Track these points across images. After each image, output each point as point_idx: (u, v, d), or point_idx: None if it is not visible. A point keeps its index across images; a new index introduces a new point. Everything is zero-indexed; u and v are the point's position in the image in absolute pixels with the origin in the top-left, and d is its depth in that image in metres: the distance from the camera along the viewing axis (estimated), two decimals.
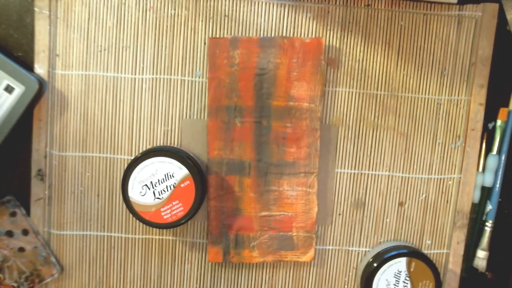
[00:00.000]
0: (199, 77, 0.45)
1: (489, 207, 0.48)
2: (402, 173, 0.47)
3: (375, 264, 0.44)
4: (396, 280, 0.44)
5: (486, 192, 0.48)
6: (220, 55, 0.44)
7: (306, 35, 0.45)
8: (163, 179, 0.41)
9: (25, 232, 0.45)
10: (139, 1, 0.44)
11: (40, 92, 0.43)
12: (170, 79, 0.45)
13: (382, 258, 0.44)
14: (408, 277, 0.44)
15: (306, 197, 0.45)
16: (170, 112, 0.45)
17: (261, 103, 0.44)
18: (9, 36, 0.44)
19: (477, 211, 0.48)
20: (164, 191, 0.41)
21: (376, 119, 0.46)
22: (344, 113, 0.46)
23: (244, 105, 0.44)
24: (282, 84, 0.44)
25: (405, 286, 0.44)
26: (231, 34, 0.45)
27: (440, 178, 0.47)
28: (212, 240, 0.46)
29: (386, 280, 0.44)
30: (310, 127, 0.45)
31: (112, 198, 0.46)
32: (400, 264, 0.44)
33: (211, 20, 0.45)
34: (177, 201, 0.41)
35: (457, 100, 0.47)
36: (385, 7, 0.45)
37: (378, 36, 0.46)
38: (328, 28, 0.45)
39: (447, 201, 0.48)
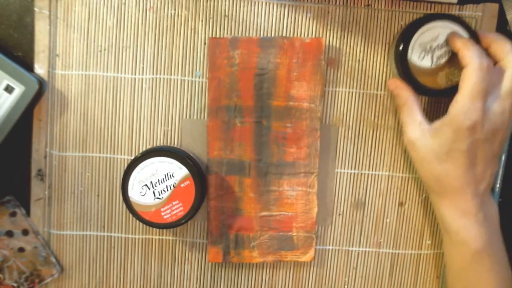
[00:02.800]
0: (199, 77, 0.45)
1: None
2: (402, 173, 0.47)
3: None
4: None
5: None
6: (220, 55, 0.44)
7: (306, 35, 0.45)
8: (163, 179, 0.41)
9: (25, 232, 0.45)
10: (139, 1, 0.44)
11: (40, 92, 0.43)
12: (170, 79, 0.45)
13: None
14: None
15: (306, 197, 0.45)
16: (170, 112, 0.45)
17: (261, 103, 0.44)
18: (9, 36, 0.44)
19: None
20: (164, 191, 0.41)
21: (376, 119, 0.46)
22: (344, 113, 0.46)
23: (244, 105, 0.44)
24: (282, 84, 0.44)
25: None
26: (231, 34, 0.45)
27: None
28: (212, 240, 0.46)
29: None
30: (310, 127, 0.45)
31: (112, 198, 0.46)
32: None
33: (211, 20, 0.45)
34: (177, 201, 0.41)
35: None
36: (385, 7, 0.45)
37: (378, 36, 0.46)
38: (328, 28, 0.45)
39: None
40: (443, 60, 0.42)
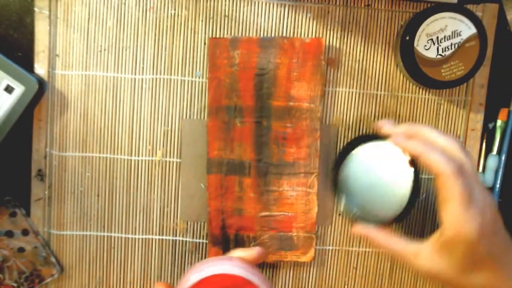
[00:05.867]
0: (199, 77, 0.45)
1: None
2: None
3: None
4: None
5: None
6: (220, 55, 0.44)
7: (306, 35, 0.45)
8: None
9: (25, 232, 0.45)
10: (139, 1, 0.44)
11: (40, 92, 0.43)
12: (170, 79, 0.45)
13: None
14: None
15: (306, 197, 0.45)
16: (170, 112, 0.45)
17: (261, 103, 0.44)
18: (9, 36, 0.44)
19: None
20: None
21: (376, 119, 0.46)
22: (344, 113, 0.46)
23: (244, 105, 0.44)
24: (282, 84, 0.44)
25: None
26: (231, 34, 0.45)
27: None
28: (212, 240, 0.46)
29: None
30: (310, 127, 0.45)
31: (112, 198, 0.46)
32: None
33: (211, 20, 0.45)
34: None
35: (457, 100, 0.47)
36: (385, 7, 0.45)
37: (378, 36, 0.46)
38: (328, 28, 0.45)
39: None
40: (448, 52, 0.42)
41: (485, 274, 0.36)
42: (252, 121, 0.44)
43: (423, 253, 0.37)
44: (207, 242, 0.46)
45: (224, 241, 0.46)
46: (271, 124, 0.44)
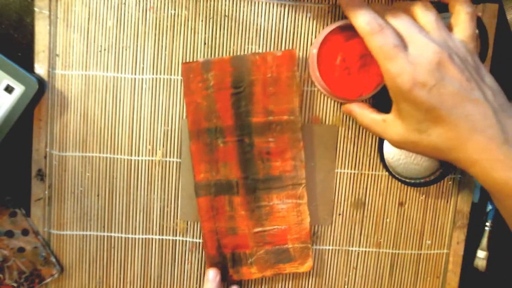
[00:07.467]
0: None
1: (489, 207, 0.48)
2: None
3: None
4: None
5: (486, 192, 0.48)
6: (194, 79, 0.44)
7: (306, 35, 0.45)
8: None
9: (25, 232, 0.45)
10: (139, 1, 0.44)
11: (40, 92, 0.43)
12: (170, 79, 0.45)
13: None
14: None
15: (297, 208, 0.45)
16: (170, 112, 0.45)
17: (241, 121, 0.44)
18: (9, 36, 0.44)
19: (477, 211, 0.48)
20: None
21: None
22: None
23: (225, 125, 0.44)
24: (259, 100, 0.44)
25: None
26: (231, 34, 0.45)
27: None
28: (209, 260, 0.46)
29: None
30: (292, 139, 0.44)
31: (112, 198, 0.46)
32: None
33: (211, 20, 0.45)
34: None
35: None
36: None
37: None
38: None
39: (447, 201, 0.48)
40: None
41: (441, 129, 0.35)
42: (234, 140, 0.44)
43: (389, 123, 0.38)
44: (205, 262, 0.46)
45: (221, 260, 0.46)
46: (254, 141, 0.44)
